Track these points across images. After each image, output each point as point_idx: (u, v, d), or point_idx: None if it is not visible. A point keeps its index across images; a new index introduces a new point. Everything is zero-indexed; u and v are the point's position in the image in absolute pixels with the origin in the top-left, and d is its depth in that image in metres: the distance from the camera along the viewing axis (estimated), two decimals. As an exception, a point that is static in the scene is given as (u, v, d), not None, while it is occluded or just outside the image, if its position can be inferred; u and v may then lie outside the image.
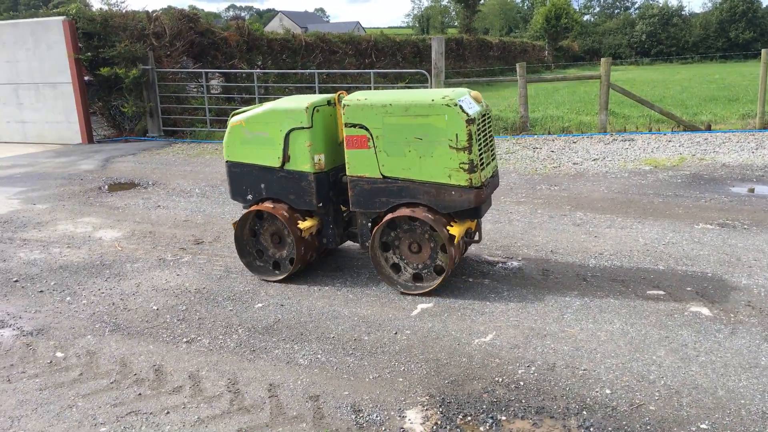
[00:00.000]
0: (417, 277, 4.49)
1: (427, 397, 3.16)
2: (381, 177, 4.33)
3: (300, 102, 4.49)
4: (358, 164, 4.37)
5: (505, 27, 77.08)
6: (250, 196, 4.83)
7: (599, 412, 2.98)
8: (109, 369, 3.57)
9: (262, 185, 4.74)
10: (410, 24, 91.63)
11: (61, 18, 12.34)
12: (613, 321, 3.91)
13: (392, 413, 3.04)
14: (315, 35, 18.94)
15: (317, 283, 4.75)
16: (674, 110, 13.28)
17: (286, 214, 4.62)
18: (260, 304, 4.40)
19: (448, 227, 4.23)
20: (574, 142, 10.62)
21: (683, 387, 3.16)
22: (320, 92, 13.18)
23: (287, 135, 4.50)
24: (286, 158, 4.56)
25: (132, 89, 12.76)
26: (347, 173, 4.44)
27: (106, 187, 8.58)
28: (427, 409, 3.06)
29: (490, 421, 2.94)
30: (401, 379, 3.34)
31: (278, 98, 5.17)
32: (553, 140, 10.96)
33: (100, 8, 14.44)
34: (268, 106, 4.61)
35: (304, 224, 4.58)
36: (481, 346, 3.66)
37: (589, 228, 5.86)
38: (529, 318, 4.00)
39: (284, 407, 3.12)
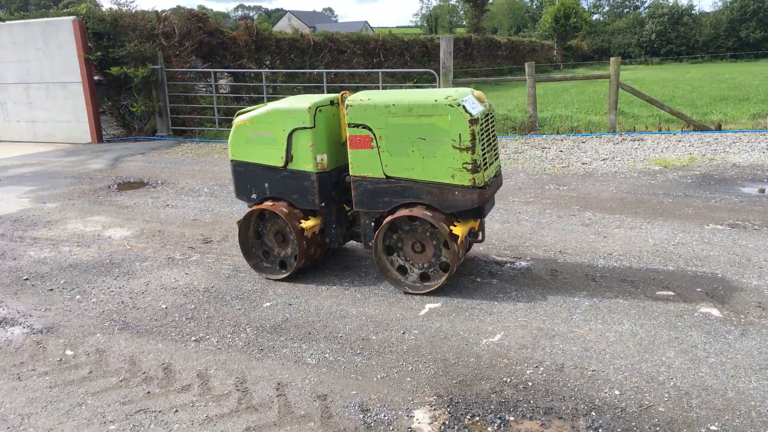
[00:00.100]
0: (424, 277, 4.49)
1: (435, 397, 3.15)
2: (384, 177, 4.33)
3: (303, 102, 4.51)
4: (361, 164, 4.37)
5: (513, 26, 76.89)
6: (254, 195, 4.86)
7: (608, 413, 2.96)
8: (118, 367, 3.58)
9: (266, 184, 4.76)
10: (418, 23, 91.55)
11: (72, 18, 12.42)
12: (623, 322, 3.89)
13: (400, 413, 3.03)
14: (323, 35, 18.96)
15: (325, 283, 4.76)
16: (684, 110, 13.20)
17: (285, 210, 4.65)
18: (268, 303, 4.41)
19: (452, 227, 4.23)
20: (583, 142, 10.58)
21: (693, 388, 3.14)
22: (328, 92, 13.17)
23: (290, 135, 4.52)
24: (289, 158, 4.58)
25: (141, 89, 12.83)
26: (350, 173, 4.45)
27: (116, 186, 8.63)
28: (435, 409, 3.05)
29: (499, 421, 2.93)
30: (409, 379, 3.33)
31: (283, 98, 5.19)
32: (562, 140, 10.92)
33: (110, 8, 14.53)
34: (271, 105, 4.63)
35: (306, 223, 4.60)
36: (489, 346, 3.65)
37: (598, 228, 5.84)
38: (537, 318, 3.99)
39: (292, 406, 3.12)
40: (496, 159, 4.55)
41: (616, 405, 3.02)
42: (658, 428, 2.83)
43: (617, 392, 3.13)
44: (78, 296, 4.68)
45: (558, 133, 11.70)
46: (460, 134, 4.03)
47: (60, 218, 6.94)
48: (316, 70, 15.46)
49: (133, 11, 13.69)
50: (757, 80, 23.48)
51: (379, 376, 3.37)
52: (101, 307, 4.47)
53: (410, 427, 2.92)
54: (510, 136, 11.53)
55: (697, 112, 13.57)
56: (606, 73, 11.79)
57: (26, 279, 5.06)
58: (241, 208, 7.01)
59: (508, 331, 3.84)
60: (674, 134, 10.92)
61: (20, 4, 45.71)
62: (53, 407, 3.20)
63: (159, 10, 13.73)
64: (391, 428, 2.92)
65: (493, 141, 4.50)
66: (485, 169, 4.18)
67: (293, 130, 4.50)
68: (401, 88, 12.96)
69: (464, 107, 4.02)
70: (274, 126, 4.57)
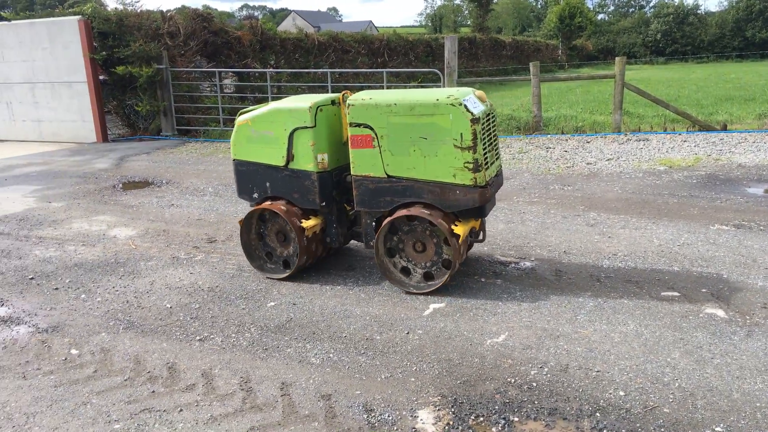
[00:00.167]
0: (428, 276, 4.49)
1: (439, 398, 3.15)
2: (385, 176, 4.34)
3: (304, 101, 4.53)
4: (363, 163, 4.38)
5: (518, 26, 76.78)
6: (256, 195, 4.88)
7: (613, 414, 2.96)
8: (123, 366, 3.59)
9: (268, 184, 4.78)
10: (423, 23, 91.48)
11: (77, 17, 12.45)
12: (627, 322, 3.88)
13: (404, 413, 3.03)
14: (328, 34, 18.97)
15: (329, 282, 4.76)
16: (689, 110, 13.16)
17: (283, 207, 4.67)
18: (273, 303, 4.42)
19: (453, 226, 4.23)
20: (588, 142, 10.56)
21: (698, 389, 3.13)
22: (333, 91, 13.18)
23: (291, 134, 4.54)
24: (290, 157, 4.60)
25: (146, 88, 12.86)
26: (352, 172, 4.46)
27: (121, 185, 8.65)
28: (439, 410, 3.05)
29: (503, 422, 2.93)
30: (413, 379, 3.33)
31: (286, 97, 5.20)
32: (567, 140, 10.90)
33: (116, 8, 14.53)
34: (272, 105, 4.66)
35: (307, 223, 4.62)
36: (493, 346, 3.65)
37: (603, 228, 5.82)
38: (542, 319, 3.98)
39: (296, 406, 3.12)
40: (497, 159, 4.55)
41: (621, 406, 3.01)
42: (663, 429, 2.82)
43: (622, 393, 3.12)
44: (83, 295, 4.69)
45: (563, 133, 11.68)
46: (461, 133, 4.04)
47: (65, 217, 6.96)
48: (321, 70, 15.48)
49: (139, 11, 13.71)
50: (763, 80, 23.38)
51: (383, 376, 3.37)
52: (106, 306, 4.48)
53: (414, 428, 2.92)
54: (514, 136, 11.52)
55: (702, 112, 13.52)
56: (611, 72, 11.76)
57: (32, 278, 5.08)
58: (245, 208, 7.01)
59: (512, 331, 3.83)
60: (679, 134, 10.89)
61: (26, 3, 45.88)
62: (58, 406, 3.21)
63: (164, 10, 13.77)
64: (395, 428, 2.92)
65: (494, 141, 4.51)
66: (486, 169, 4.19)
67: (294, 130, 4.52)
68: (406, 87, 12.96)
69: (466, 106, 4.03)
70: (276, 125, 4.59)
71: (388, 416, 3.01)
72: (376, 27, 77.74)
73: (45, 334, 4.06)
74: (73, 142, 13.14)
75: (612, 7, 76.61)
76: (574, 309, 4.11)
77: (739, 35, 52.47)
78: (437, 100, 4.07)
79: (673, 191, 7.12)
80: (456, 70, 11.45)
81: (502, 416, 2.97)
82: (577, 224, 5.99)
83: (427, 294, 4.40)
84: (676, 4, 56.36)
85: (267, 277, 4.87)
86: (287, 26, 51.79)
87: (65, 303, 4.56)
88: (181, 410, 3.13)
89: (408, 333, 3.86)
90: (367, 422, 2.97)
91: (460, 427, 2.90)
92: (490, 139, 4.38)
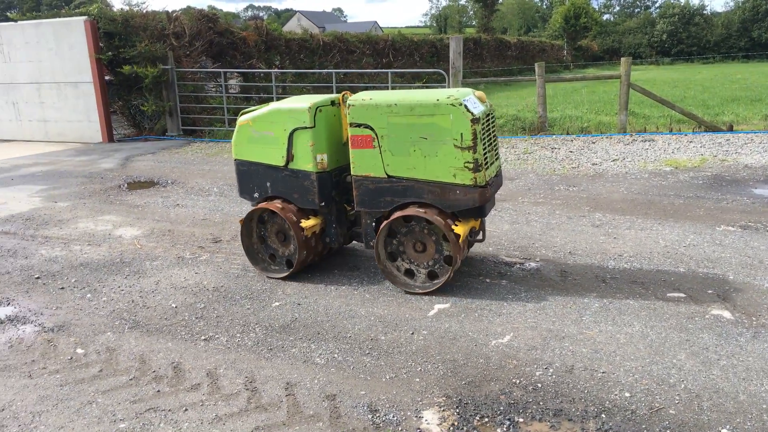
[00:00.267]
0: (432, 275, 4.49)
1: (444, 398, 3.15)
2: (386, 176, 4.34)
3: (303, 102, 4.55)
4: (363, 164, 4.38)
5: (523, 26, 76.71)
6: (256, 194, 4.90)
7: (618, 415, 2.95)
8: (129, 366, 3.60)
9: (268, 183, 4.80)
10: (428, 23, 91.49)
11: (83, 18, 12.50)
12: (633, 323, 3.87)
13: (409, 413, 3.03)
14: (332, 35, 18.98)
15: (334, 283, 4.76)
16: (695, 110, 13.11)
17: (279, 205, 4.70)
18: (277, 303, 4.42)
19: (453, 226, 4.24)
20: (593, 143, 10.53)
21: (704, 391, 3.11)
22: (337, 92, 13.20)
23: (291, 134, 4.56)
24: (289, 157, 4.62)
25: (152, 89, 12.89)
26: (352, 173, 4.47)
27: (126, 185, 8.67)
28: (443, 410, 3.05)
29: (508, 422, 2.92)
30: (418, 380, 3.33)
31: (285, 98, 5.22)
32: (572, 140, 10.87)
33: (121, 8, 14.59)
34: (273, 105, 4.68)
35: (306, 223, 4.64)
36: (498, 347, 3.64)
37: (609, 229, 5.81)
38: (547, 319, 3.97)
39: (301, 406, 3.13)
40: (496, 159, 4.56)
41: (627, 407, 3.00)
42: (668, 431, 2.81)
43: (627, 394, 3.11)
44: (89, 295, 4.71)
45: (568, 133, 11.65)
46: (461, 133, 4.04)
47: (71, 217, 6.98)
48: (326, 70, 15.47)
49: (144, 11, 13.75)
50: (769, 81, 23.28)
51: (388, 377, 3.37)
52: (112, 305, 4.49)
53: (419, 428, 2.91)
54: (520, 137, 11.50)
55: (708, 113, 13.46)
56: (616, 73, 11.73)
57: (38, 277, 5.10)
58: (249, 208, 7.02)
59: (517, 332, 3.82)
60: (685, 135, 10.85)
61: (32, 4, 46.06)
62: (64, 405, 3.22)
63: (170, 11, 13.80)
64: (399, 429, 2.91)
65: (494, 141, 4.52)
66: (486, 169, 4.19)
67: (294, 130, 4.54)
68: (410, 88, 12.96)
69: (466, 107, 4.03)
70: (276, 126, 4.61)
71: (393, 416, 3.01)
72: (380, 27, 77.78)
73: (51, 333, 4.08)
74: (79, 142, 13.19)
75: (617, 8, 76.57)
76: (579, 310, 4.10)
77: (745, 36, 52.28)
78: (437, 100, 4.07)
79: (679, 192, 7.09)
80: (461, 70, 11.44)
81: (507, 417, 2.96)
82: (582, 225, 5.97)
83: (432, 293, 4.39)
84: (682, 4, 56.19)
85: (268, 277, 4.87)
86: (292, 27, 51.88)
87: (71, 302, 4.58)
88: (186, 410, 3.13)
89: (413, 333, 3.86)
90: (371, 422, 2.97)
91: (465, 428, 2.90)
92: (490, 139, 4.39)
